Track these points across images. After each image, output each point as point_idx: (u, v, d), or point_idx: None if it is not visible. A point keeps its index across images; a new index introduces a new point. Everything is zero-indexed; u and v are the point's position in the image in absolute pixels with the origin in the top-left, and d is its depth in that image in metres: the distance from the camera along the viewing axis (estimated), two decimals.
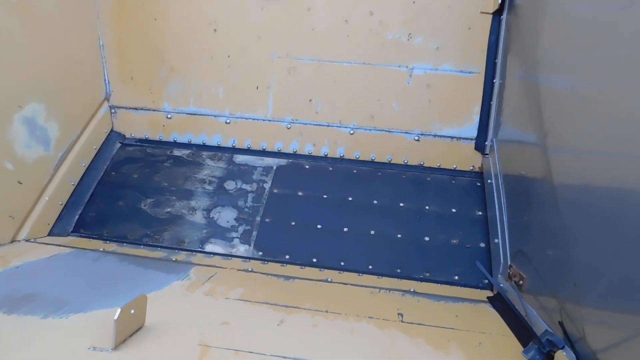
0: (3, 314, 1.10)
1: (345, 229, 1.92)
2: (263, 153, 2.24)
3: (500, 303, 1.50)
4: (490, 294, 1.65)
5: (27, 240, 1.78)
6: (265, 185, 2.10)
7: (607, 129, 0.97)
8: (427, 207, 1.97)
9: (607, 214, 0.93)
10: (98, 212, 2.03)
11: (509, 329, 1.29)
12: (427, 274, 1.76)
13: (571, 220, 1.07)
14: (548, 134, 1.27)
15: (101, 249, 1.78)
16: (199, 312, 1.23)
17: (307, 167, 2.19)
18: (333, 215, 1.95)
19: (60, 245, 1.77)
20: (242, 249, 1.88)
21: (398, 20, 2.15)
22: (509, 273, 1.50)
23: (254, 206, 2.02)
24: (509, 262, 1.54)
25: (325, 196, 2.03)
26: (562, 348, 0.99)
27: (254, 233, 1.92)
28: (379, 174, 2.13)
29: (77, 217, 2.01)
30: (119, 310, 0.95)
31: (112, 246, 1.85)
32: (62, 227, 1.97)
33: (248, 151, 2.26)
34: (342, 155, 2.23)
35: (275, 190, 2.07)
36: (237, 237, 1.92)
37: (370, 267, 1.79)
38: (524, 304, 1.22)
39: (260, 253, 1.87)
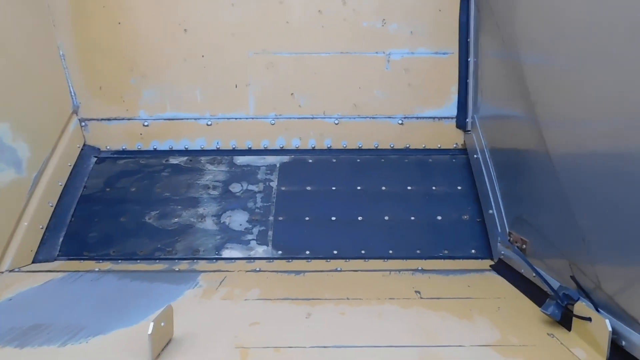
0: (16, 349, 1.03)
1: (360, 218, 1.93)
2: (264, 152, 2.21)
3: (504, 269, 1.59)
4: (492, 262, 1.74)
5: (10, 271, 1.65)
6: (272, 184, 2.07)
7: (592, 91, 1.05)
8: (433, 188, 2.02)
9: (606, 171, 1.00)
10: (86, 232, 1.92)
11: (520, 292, 1.37)
12: (446, 252, 1.81)
13: (571, 182, 1.14)
14: (536, 104, 1.34)
15: (97, 269, 1.69)
16: (223, 316, 1.21)
17: (310, 161, 2.18)
18: (345, 205, 1.96)
19: (49, 272, 1.66)
20: (260, 250, 1.85)
21: (371, 8, 2.18)
22: (509, 240, 1.58)
23: (265, 206, 1.99)
24: (507, 230, 1.62)
25: (334, 188, 2.04)
26: (577, 300, 1.07)
27: (270, 233, 1.89)
28: (382, 160, 2.16)
29: (61, 239, 1.90)
30: (151, 324, 0.92)
31: (107, 265, 1.76)
32: (47, 253, 1.85)
33: (248, 152, 2.22)
34: (329, 146, 2.24)
35: (283, 188, 2.05)
36: (253, 239, 1.88)
37: (391, 252, 1.82)
38: (531, 266, 1.29)
39: (280, 252, 1.84)
